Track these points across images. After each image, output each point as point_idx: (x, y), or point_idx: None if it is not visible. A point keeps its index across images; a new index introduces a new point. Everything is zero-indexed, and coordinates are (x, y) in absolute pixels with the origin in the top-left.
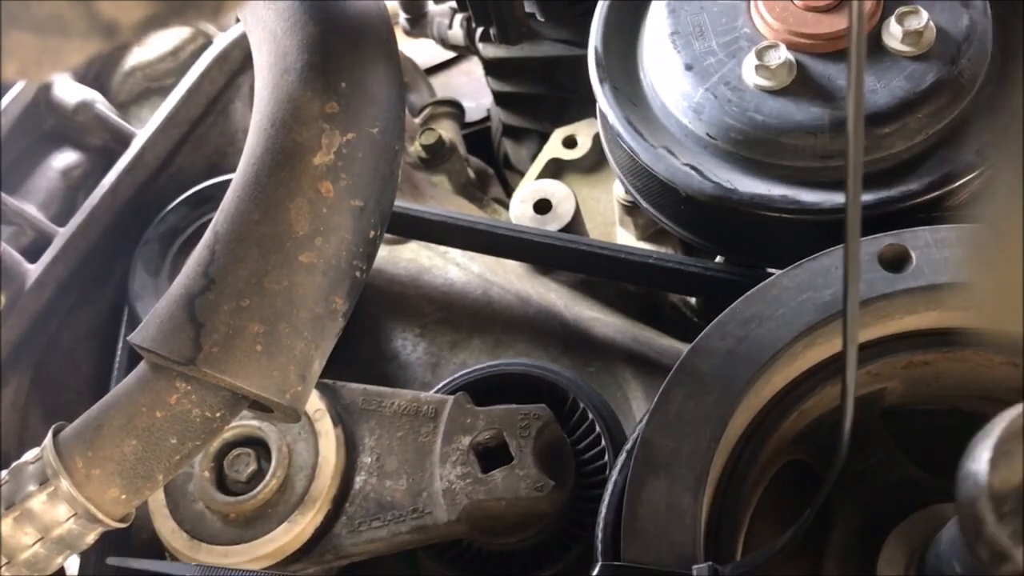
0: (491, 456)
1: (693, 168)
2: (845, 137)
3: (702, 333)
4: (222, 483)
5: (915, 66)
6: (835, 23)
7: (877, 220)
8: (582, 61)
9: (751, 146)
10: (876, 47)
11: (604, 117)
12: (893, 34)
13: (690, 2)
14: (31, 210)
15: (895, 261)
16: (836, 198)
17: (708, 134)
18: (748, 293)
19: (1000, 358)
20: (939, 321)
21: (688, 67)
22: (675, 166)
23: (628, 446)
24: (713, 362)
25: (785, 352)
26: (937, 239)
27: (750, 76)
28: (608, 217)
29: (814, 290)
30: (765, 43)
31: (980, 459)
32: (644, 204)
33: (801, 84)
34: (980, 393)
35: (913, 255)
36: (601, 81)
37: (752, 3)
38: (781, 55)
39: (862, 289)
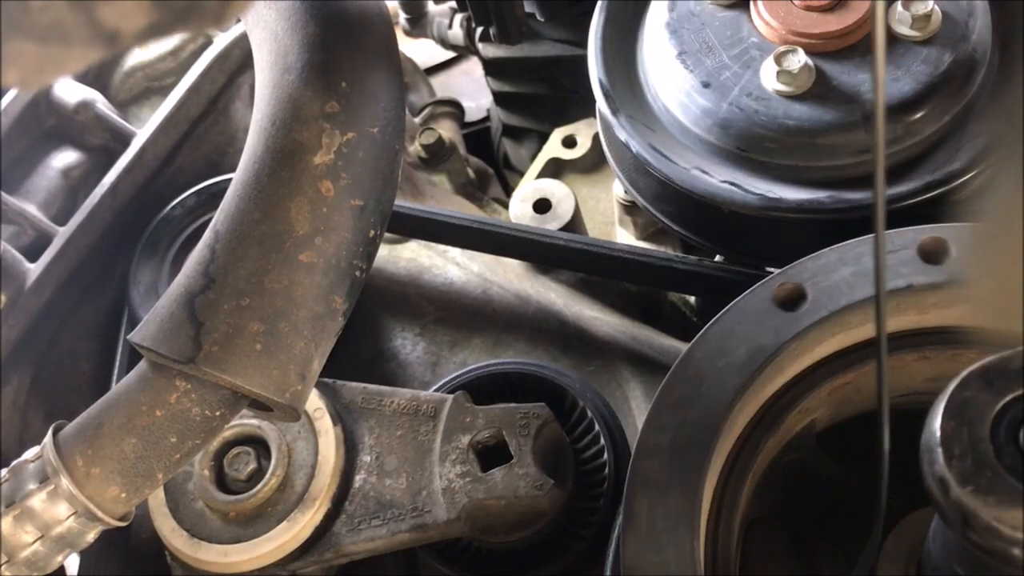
0: (490, 455)
1: (732, 184)
2: (872, 128)
3: (639, 435)
4: (222, 482)
5: (929, 49)
6: (837, 21)
7: (924, 205)
8: (582, 61)
9: (787, 152)
10: (887, 36)
11: (626, 147)
12: (901, 21)
13: (689, 20)
14: (31, 209)
15: (790, 300)
16: (888, 190)
17: (739, 148)
18: (666, 378)
19: (912, 356)
20: (847, 341)
21: (705, 84)
22: (713, 184)
23: (609, 573)
24: (662, 460)
25: (725, 425)
26: (820, 266)
27: (771, 83)
28: (608, 216)
29: (726, 354)
30: (783, 48)
31: (933, 428)
32: (675, 228)
33: (821, 85)
34: (899, 392)
35: (806, 289)
36: (615, 112)
37: (753, 12)
38: (800, 59)
39: (770, 341)
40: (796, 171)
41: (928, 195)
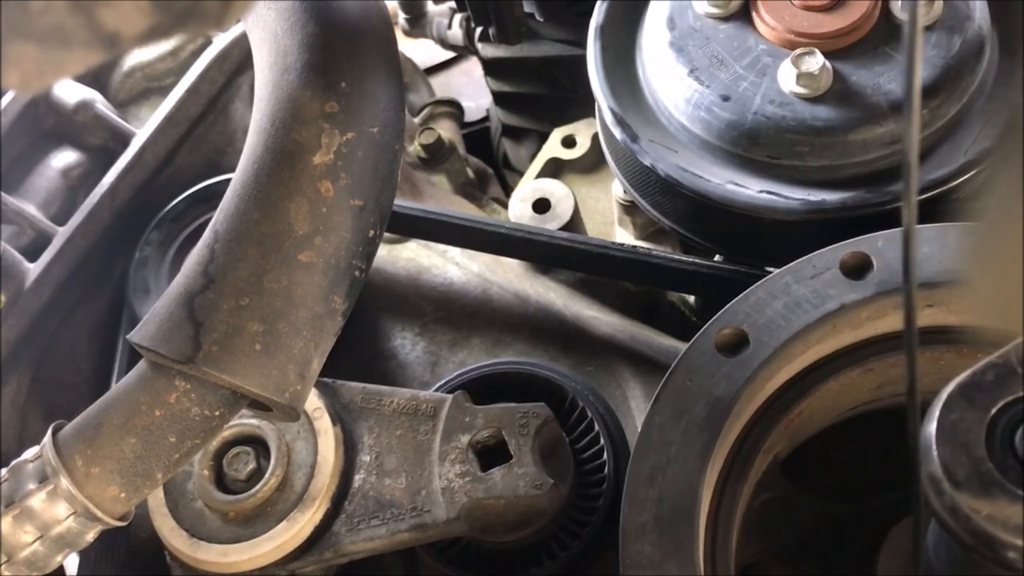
0: (490, 454)
1: (769, 192)
2: (904, 114)
3: (622, 514)
4: (221, 482)
5: (937, 34)
6: (841, 19)
7: (958, 189)
8: (581, 61)
9: (819, 154)
10: (891, 26)
11: (651, 171)
12: (905, 9)
13: (692, 37)
14: (31, 209)
15: (733, 345)
16: (924, 177)
17: (769, 156)
18: (634, 448)
19: (856, 371)
20: (793, 371)
21: (725, 98)
22: (751, 196)
23: None
24: (651, 539)
25: (701, 486)
26: (752, 305)
27: (791, 87)
28: (607, 216)
29: (687, 413)
30: (800, 51)
31: (931, 456)
32: (710, 245)
33: (839, 83)
34: (849, 406)
35: (745, 330)
36: (634, 139)
37: (755, 19)
38: (818, 60)
39: (724, 391)
40: (830, 171)
41: (965, 176)
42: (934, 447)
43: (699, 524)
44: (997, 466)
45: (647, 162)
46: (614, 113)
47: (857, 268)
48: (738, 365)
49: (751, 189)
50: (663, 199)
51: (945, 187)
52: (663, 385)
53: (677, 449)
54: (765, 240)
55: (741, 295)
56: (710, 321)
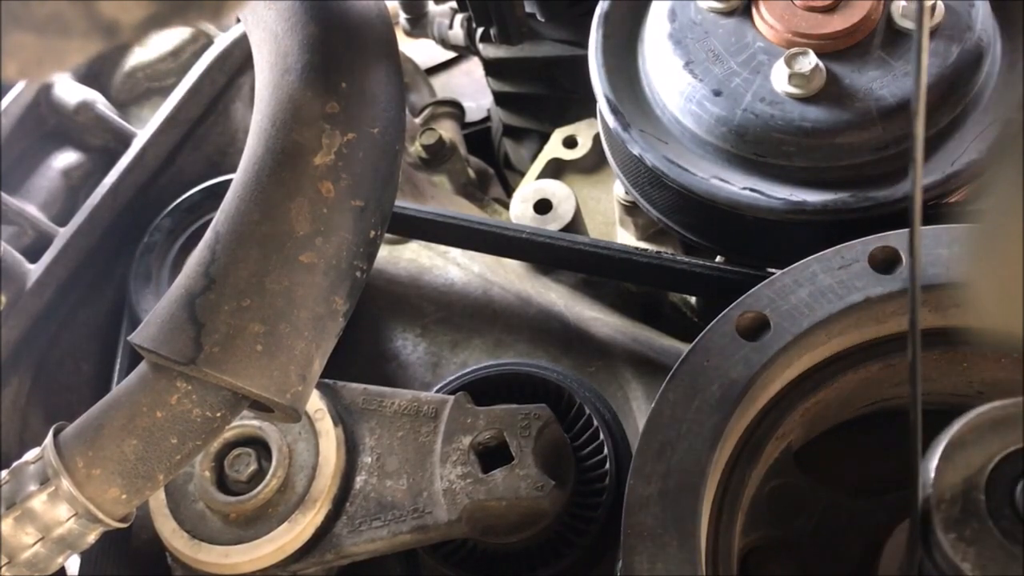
0: (491, 456)
1: (752, 190)
2: (911, 117)
3: (627, 488)
4: (222, 483)
5: (935, 42)
6: (841, 21)
7: (943, 198)
8: (582, 61)
9: (806, 154)
10: (890, 32)
11: (640, 161)
12: (906, 15)
13: (692, 30)
14: (32, 210)
15: (754, 329)
16: (905, 187)
17: (756, 153)
18: (645, 423)
19: (877, 366)
20: (813, 360)
21: (717, 93)
22: (735, 192)
23: None
24: (654, 511)
25: (710, 465)
26: (777, 291)
27: (782, 86)
28: (608, 217)
29: (700, 392)
30: (793, 51)
31: (928, 472)
32: (694, 238)
33: (832, 85)
34: (869, 401)
35: (767, 316)
36: (626, 128)
37: (755, 17)
38: (811, 60)
39: (740, 374)
40: (815, 172)
41: (953, 186)
42: (937, 459)
43: (704, 502)
44: (992, 506)
45: (635, 151)
46: (608, 100)
47: (886, 262)
48: (757, 349)
49: (735, 185)
50: (651, 190)
51: (928, 196)
52: (680, 364)
53: (688, 427)
54: (747, 237)
55: (766, 280)
56: (733, 304)
